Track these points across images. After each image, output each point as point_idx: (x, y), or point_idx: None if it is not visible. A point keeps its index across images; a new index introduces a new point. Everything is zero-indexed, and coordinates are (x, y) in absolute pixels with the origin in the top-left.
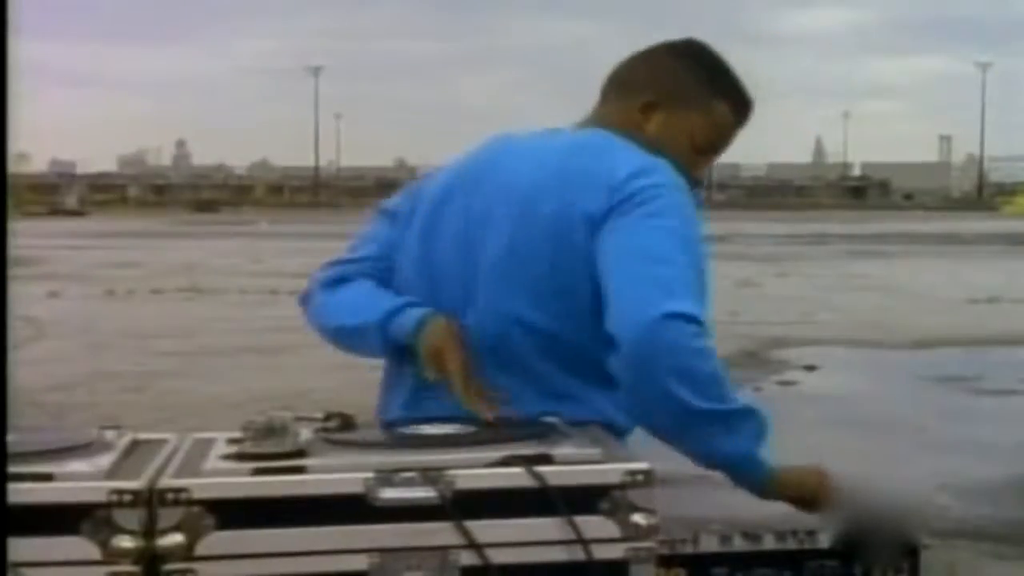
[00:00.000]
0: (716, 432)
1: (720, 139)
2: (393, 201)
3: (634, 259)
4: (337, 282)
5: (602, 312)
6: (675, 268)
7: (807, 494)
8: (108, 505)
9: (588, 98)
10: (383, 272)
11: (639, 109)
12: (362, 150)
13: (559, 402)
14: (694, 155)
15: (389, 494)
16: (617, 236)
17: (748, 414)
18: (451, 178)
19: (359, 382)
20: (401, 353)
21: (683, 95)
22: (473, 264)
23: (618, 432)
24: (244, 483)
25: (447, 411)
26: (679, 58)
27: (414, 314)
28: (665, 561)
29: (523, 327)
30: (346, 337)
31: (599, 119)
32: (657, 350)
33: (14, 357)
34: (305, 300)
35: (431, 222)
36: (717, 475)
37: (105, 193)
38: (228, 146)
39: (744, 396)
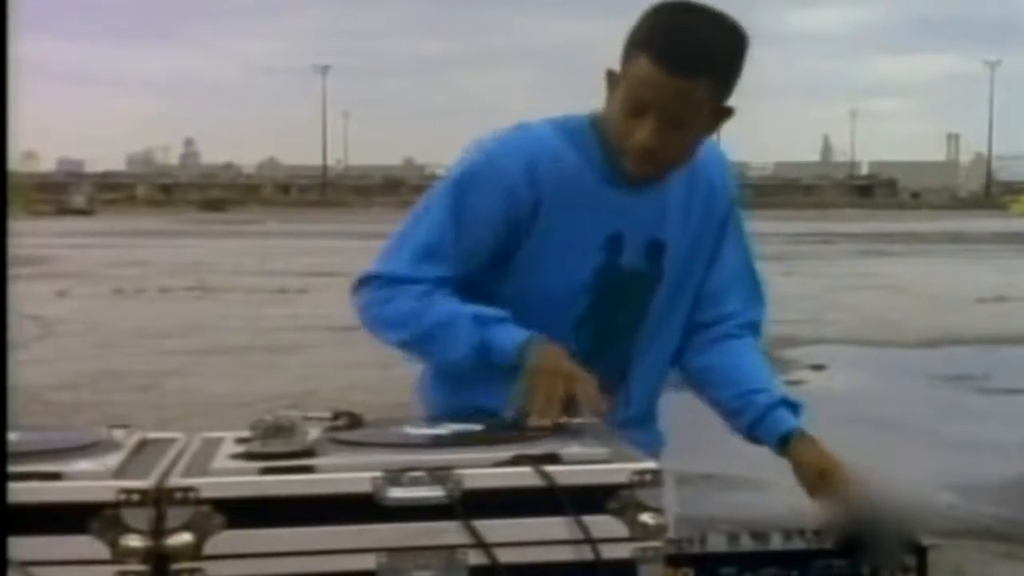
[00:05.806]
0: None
1: (642, 93)
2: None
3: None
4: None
5: None
6: None
7: (818, 470)
8: (117, 504)
9: (596, 96)
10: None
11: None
12: (370, 149)
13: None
14: (626, 120)
15: (397, 493)
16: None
17: None
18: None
19: (367, 382)
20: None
21: (623, 59)
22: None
23: None
24: (252, 482)
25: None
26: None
27: (519, 332)
28: (673, 561)
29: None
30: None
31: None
32: None
33: (23, 356)
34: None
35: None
36: (723, 475)
37: (113, 192)
38: (236, 145)
39: None
